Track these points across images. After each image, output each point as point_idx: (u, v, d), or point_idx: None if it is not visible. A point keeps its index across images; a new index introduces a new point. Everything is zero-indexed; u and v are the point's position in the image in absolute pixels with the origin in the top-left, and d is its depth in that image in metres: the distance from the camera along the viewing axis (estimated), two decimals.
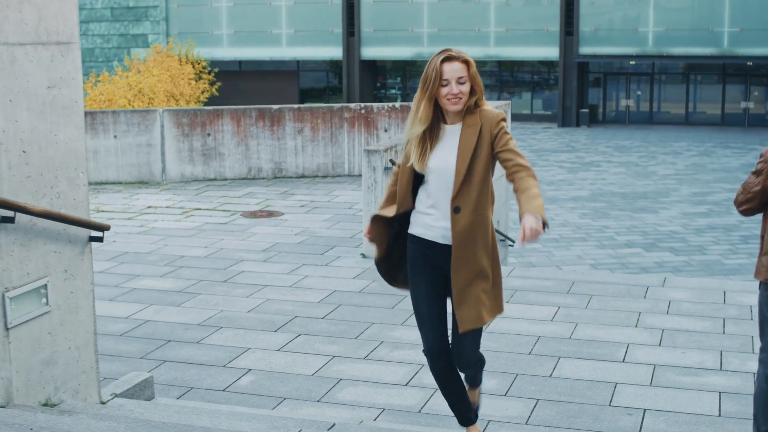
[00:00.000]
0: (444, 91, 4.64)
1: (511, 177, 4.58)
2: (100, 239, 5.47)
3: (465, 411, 5.15)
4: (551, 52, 43.58)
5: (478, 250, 4.69)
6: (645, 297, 8.99)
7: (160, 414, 5.23)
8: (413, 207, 4.84)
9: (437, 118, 4.74)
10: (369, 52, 45.76)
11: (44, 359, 5.15)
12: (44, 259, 5.10)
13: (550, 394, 6.62)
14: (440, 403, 6.38)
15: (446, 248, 4.76)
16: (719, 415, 6.25)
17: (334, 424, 5.22)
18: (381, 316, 8.33)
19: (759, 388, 5.05)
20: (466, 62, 4.68)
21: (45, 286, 5.10)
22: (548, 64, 45.10)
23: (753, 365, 7.09)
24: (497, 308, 4.87)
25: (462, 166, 4.65)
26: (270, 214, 13.04)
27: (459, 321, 4.77)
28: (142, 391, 6.06)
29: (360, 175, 14.52)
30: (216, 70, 42.64)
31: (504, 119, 4.72)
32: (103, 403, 5.60)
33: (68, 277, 5.30)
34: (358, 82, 45.59)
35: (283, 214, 13.13)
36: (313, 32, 45.94)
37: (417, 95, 4.70)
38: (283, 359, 7.28)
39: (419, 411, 6.34)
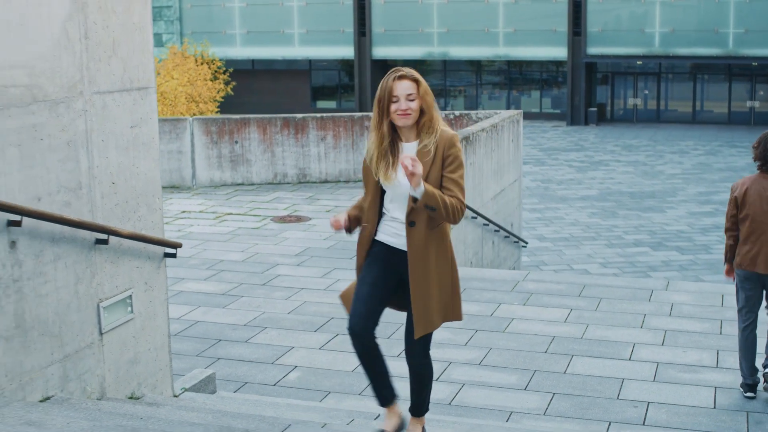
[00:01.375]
0: (393, 107, 4.82)
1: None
2: (173, 255, 6.31)
3: (384, 390, 5.20)
4: (560, 52, 44.28)
5: (435, 261, 4.89)
6: (650, 300, 9.80)
7: (230, 405, 6.06)
8: (376, 223, 5.01)
9: (394, 135, 4.93)
10: (380, 51, 46.51)
11: (129, 359, 5.98)
12: (129, 273, 5.93)
13: (564, 388, 7.43)
14: (468, 396, 7.22)
15: (399, 250, 4.97)
16: (714, 407, 7.05)
17: (379, 415, 6.03)
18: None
19: (739, 338, 7.17)
20: (415, 81, 4.87)
21: (130, 297, 5.93)
22: (557, 63, 45.81)
23: None
24: (454, 315, 5.06)
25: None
26: (298, 219, 13.88)
27: (414, 327, 4.93)
28: (206, 385, 6.89)
29: None
30: (231, 70, 43.43)
31: (457, 143, 4.88)
32: (176, 396, 6.44)
33: (148, 289, 6.13)
34: (370, 81, 46.36)
35: (310, 219, 13.97)
36: (325, 32, 46.71)
37: (374, 113, 4.92)
38: (324, 357, 8.10)
39: (449, 403, 7.15)
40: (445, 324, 8.35)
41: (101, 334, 5.69)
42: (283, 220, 13.87)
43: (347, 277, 10.67)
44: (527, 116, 44.62)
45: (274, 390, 7.39)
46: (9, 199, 4.87)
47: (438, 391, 7.34)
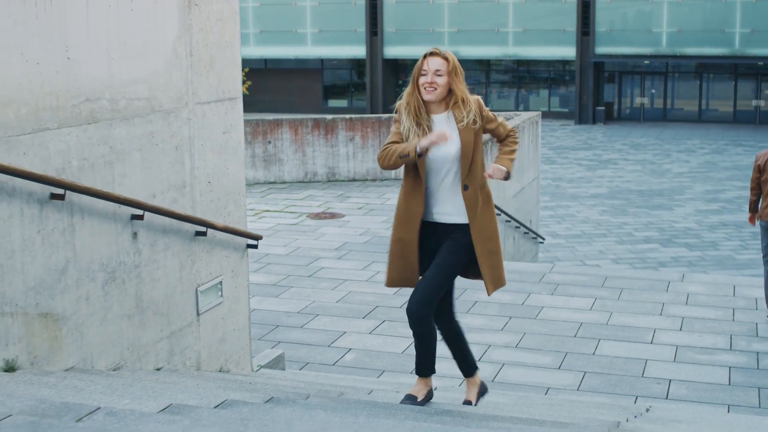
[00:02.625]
0: (422, 80, 5.14)
1: (501, 142, 5.43)
2: (255, 246, 7.15)
3: (427, 362, 5.49)
4: (568, 51, 45.05)
5: (489, 220, 5.29)
6: (667, 290, 10.63)
7: (304, 378, 6.91)
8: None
9: (424, 109, 5.22)
10: (391, 51, 47.30)
11: (219, 338, 6.82)
12: (220, 262, 6.78)
13: (594, 367, 8.27)
14: (509, 375, 8.06)
15: (438, 225, 5.28)
16: (729, 384, 7.89)
17: (436, 387, 6.87)
18: None
19: (765, 277, 9.31)
20: (446, 59, 5.16)
21: (220, 283, 6.78)
22: (564, 62, 46.59)
23: (757, 346, 8.73)
24: (503, 279, 5.44)
25: (467, 151, 5.17)
26: (332, 215, 14.73)
27: (486, 284, 5.32)
28: (277, 363, 7.74)
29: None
30: (247, 69, 44.25)
31: (483, 105, 5.28)
32: (254, 371, 7.28)
33: (234, 276, 6.98)
34: (381, 80, 47.17)
35: (344, 215, 14.82)
36: (338, 32, 47.50)
37: (408, 88, 5.23)
38: (374, 340, 8.95)
39: (492, 380, 7.99)
40: (482, 311, 9.20)
41: (198, 315, 6.53)
42: (318, 216, 14.72)
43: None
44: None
45: (335, 369, 8.23)
46: (132, 196, 5.70)
47: (481, 370, 8.17)
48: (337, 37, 47.57)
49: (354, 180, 18.12)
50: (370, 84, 47.65)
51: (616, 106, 47.05)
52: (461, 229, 5.27)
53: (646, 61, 45.39)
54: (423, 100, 5.20)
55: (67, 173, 5.15)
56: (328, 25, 47.76)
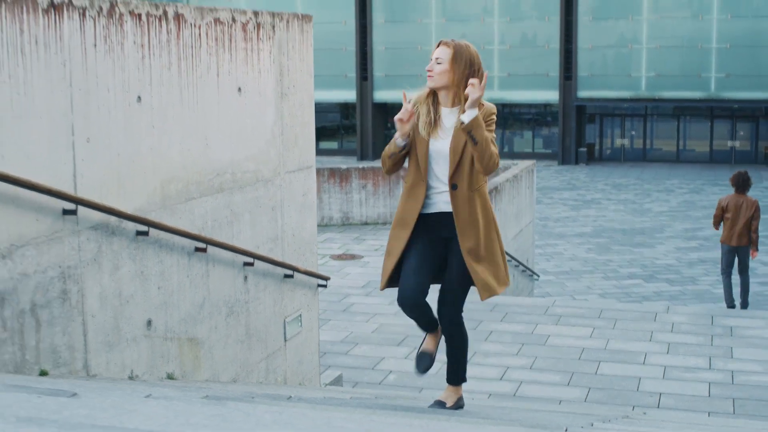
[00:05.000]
0: (426, 68, 5.35)
1: None
2: (324, 286, 8.79)
3: (429, 324, 5.59)
4: (551, 95, 46.92)
5: (482, 223, 5.27)
6: (655, 320, 12.31)
7: (367, 393, 8.53)
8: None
9: (436, 101, 5.37)
10: (381, 95, 49.08)
11: (299, 360, 8.45)
12: (300, 299, 8.42)
13: (597, 384, 9.92)
14: (527, 390, 9.70)
15: (440, 215, 5.35)
16: (709, 396, 9.56)
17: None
18: (469, 335, 11.63)
19: (723, 282, 14.35)
20: (449, 48, 5.28)
21: (300, 315, 8.41)
22: (548, 105, 48.47)
23: (732, 366, 10.41)
24: (505, 281, 5.41)
25: (457, 148, 5.22)
26: (353, 257, 16.38)
27: (479, 290, 5.32)
28: (338, 382, 9.37)
29: None
30: None
31: (495, 113, 5.32)
32: (323, 387, 8.90)
33: (309, 310, 8.62)
34: (371, 123, 48.94)
35: (363, 257, 16.48)
36: (329, 77, 49.18)
37: None
38: (411, 364, 10.57)
39: (513, 395, 9.63)
40: (498, 339, 10.73)
41: (285, 341, 8.16)
42: (340, 258, 16.36)
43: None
44: (520, 156, 47.22)
45: (381, 387, 9.85)
46: (244, 247, 7.35)
47: (503, 387, 9.82)
48: (328, 82, 49.22)
49: (366, 224, 19.81)
50: (360, 127, 49.38)
51: (597, 147, 48.89)
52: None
53: (626, 104, 47.20)
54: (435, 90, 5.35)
55: (205, 231, 6.80)
56: (320, 69, 49.24)
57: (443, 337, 5.74)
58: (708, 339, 11.49)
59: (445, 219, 5.33)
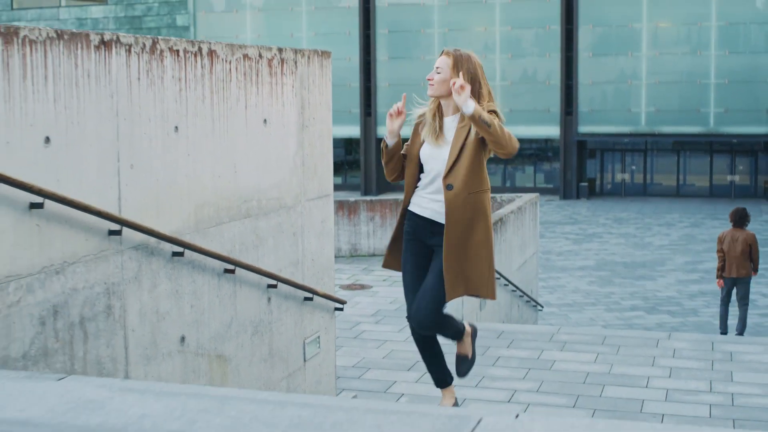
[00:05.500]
0: (427, 76, 5.49)
1: None
2: (341, 309, 9.19)
3: (440, 374, 5.61)
4: (552, 131, 47.46)
5: (472, 227, 5.28)
6: (657, 346, 12.69)
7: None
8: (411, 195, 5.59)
9: (440, 113, 5.49)
10: (384, 131, 49.42)
11: (316, 380, 8.84)
12: (318, 321, 8.82)
13: (602, 406, 10.29)
14: (534, 412, 10.08)
15: (433, 224, 5.43)
16: (710, 417, 9.93)
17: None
18: (478, 360, 12.02)
19: (720, 311, 14.96)
20: (450, 57, 5.41)
21: (318, 337, 8.81)
22: (549, 140, 49.01)
23: (732, 389, 10.78)
24: (488, 293, 5.39)
25: (454, 150, 5.28)
26: (362, 286, 16.77)
27: (446, 288, 5.28)
28: None
29: None
30: None
31: (495, 111, 5.36)
32: None
33: (326, 332, 9.01)
34: (374, 158, 49.43)
35: (372, 286, 16.87)
36: (333, 112, 49.22)
37: None
38: (421, 387, 10.94)
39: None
40: (505, 364, 11.06)
41: (305, 361, 8.55)
42: (350, 287, 16.75)
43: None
44: (522, 190, 47.72)
45: None
46: (268, 270, 7.76)
47: (510, 408, 10.19)
48: (333, 118, 49.68)
49: (374, 255, 20.23)
50: (363, 162, 49.89)
51: (598, 182, 49.36)
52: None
53: (626, 139, 47.74)
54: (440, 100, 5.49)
55: (233, 254, 7.21)
56: None
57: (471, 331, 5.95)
58: (708, 364, 11.85)
59: (434, 228, 5.41)
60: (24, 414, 2.37)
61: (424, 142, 5.51)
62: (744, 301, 15.73)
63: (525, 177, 50.16)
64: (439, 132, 5.43)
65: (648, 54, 45.95)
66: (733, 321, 18.14)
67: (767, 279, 25.83)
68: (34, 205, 5.03)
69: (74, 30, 5.35)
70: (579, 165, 47.83)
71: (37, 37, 5.08)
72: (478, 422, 2.48)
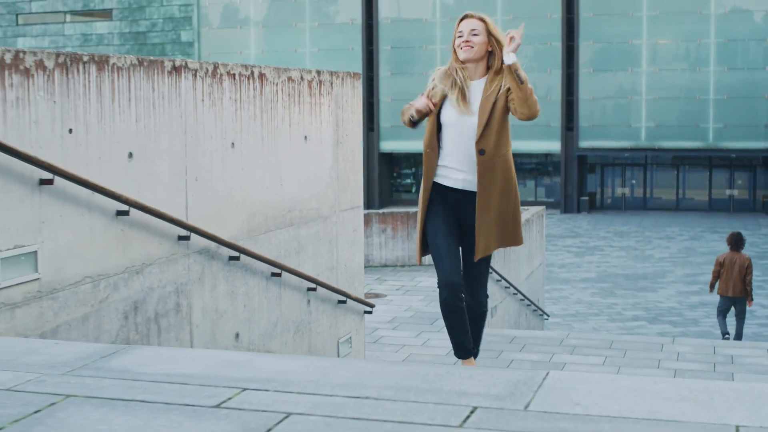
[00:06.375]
0: (458, 41, 5.16)
1: None
2: (370, 312, 9.86)
3: (466, 343, 5.37)
4: (553, 145, 48.07)
5: (501, 188, 5.20)
6: (661, 350, 13.36)
7: None
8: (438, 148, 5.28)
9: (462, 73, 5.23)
10: (387, 145, 50.26)
11: None
12: (349, 323, 9.49)
13: None
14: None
15: (463, 193, 5.26)
16: None
17: None
18: (491, 363, 12.70)
19: (719, 322, 15.50)
20: (482, 20, 5.18)
21: (350, 338, 9.48)
22: (550, 155, 49.65)
23: None
24: (514, 241, 5.38)
25: (483, 114, 5.12)
26: (377, 295, 17.42)
27: (476, 249, 5.24)
28: None
29: (430, 265, 18.94)
30: None
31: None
32: None
33: (356, 333, 9.69)
34: (377, 173, 50.10)
35: (386, 295, 17.52)
36: None
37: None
38: None
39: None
40: (518, 366, 11.67)
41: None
42: (365, 296, 17.41)
43: (434, 336, 14.20)
44: (523, 204, 48.26)
45: None
46: (308, 274, 8.44)
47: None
48: None
49: (386, 266, 20.89)
50: (366, 176, 50.50)
51: (598, 196, 49.96)
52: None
53: (626, 154, 48.30)
54: (461, 60, 5.24)
55: (279, 259, 7.89)
56: None
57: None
58: (711, 366, 12.52)
59: (467, 197, 5.29)
60: (189, 370, 3.04)
61: (442, 107, 5.28)
62: (741, 316, 16.86)
63: (526, 191, 50.78)
64: (465, 97, 5.21)
65: (648, 70, 46.65)
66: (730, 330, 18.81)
67: (766, 291, 26.50)
68: (120, 212, 5.72)
69: (152, 57, 6.05)
70: (580, 179, 48.42)
71: (123, 64, 5.77)
72: (546, 375, 3.13)
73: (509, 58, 4.98)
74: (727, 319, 17.02)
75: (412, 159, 51.76)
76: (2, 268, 4.86)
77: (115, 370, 3.08)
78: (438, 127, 5.26)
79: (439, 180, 5.27)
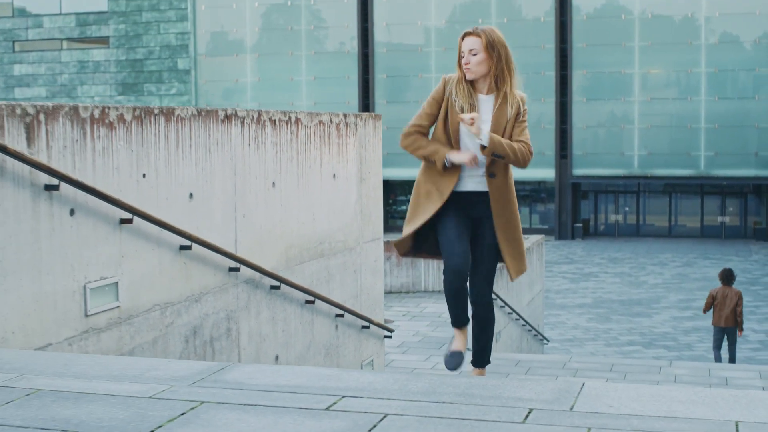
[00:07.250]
0: (462, 62, 5.25)
1: None
2: (390, 336, 10.55)
3: (461, 317, 5.44)
4: (547, 173, 48.60)
5: (513, 208, 5.36)
6: (659, 373, 14.05)
7: None
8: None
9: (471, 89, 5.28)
10: (384, 172, 50.70)
11: None
12: (372, 346, 10.17)
13: None
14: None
15: (477, 194, 5.29)
16: None
17: None
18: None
19: (714, 353, 16.68)
20: (479, 36, 5.18)
21: (372, 361, 10.16)
22: (544, 182, 50.30)
23: None
24: (520, 268, 5.46)
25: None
26: (385, 321, 18.09)
27: (510, 271, 5.38)
28: None
29: (434, 291, 19.61)
30: None
31: (525, 101, 5.35)
32: None
33: (378, 356, 10.37)
34: None
35: (393, 321, 18.18)
36: None
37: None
38: None
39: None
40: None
41: None
42: None
43: (442, 360, 14.83)
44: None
45: None
46: (337, 301, 9.13)
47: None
48: None
49: (390, 292, 21.55)
50: None
51: (592, 223, 50.55)
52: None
53: (619, 181, 48.89)
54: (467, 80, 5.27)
55: (311, 287, 8.59)
56: None
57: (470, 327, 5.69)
58: (706, 388, 13.20)
59: (476, 198, 5.31)
60: (294, 382, 3.75)
61: (448, 116, 5.34)
62: (733, 343, 18.11)
63: (521, 218, 50.95)
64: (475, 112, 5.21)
65: (640, 99, 47.34)
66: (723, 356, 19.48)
67: (757, 315, 27.15)
68: (183, 247, 6.42)
69: (208, 108, 6.76)
70: (573, 206, 48.97)
71: (185, 115, 6.48)
72: (583, 385, 3.83)
73: (483, 140, 5.05)
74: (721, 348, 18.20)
75: (407, 186, 52.36)
76: (91, 297, 5.56)
77: (230, 383, 3.77)
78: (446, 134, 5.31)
79: (457, 188, 5.25)
